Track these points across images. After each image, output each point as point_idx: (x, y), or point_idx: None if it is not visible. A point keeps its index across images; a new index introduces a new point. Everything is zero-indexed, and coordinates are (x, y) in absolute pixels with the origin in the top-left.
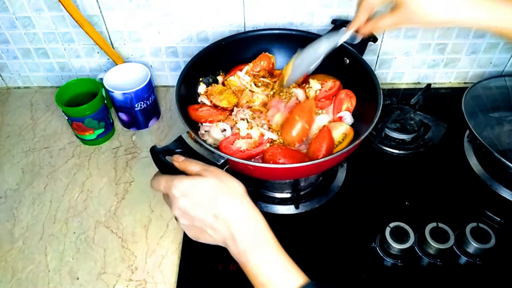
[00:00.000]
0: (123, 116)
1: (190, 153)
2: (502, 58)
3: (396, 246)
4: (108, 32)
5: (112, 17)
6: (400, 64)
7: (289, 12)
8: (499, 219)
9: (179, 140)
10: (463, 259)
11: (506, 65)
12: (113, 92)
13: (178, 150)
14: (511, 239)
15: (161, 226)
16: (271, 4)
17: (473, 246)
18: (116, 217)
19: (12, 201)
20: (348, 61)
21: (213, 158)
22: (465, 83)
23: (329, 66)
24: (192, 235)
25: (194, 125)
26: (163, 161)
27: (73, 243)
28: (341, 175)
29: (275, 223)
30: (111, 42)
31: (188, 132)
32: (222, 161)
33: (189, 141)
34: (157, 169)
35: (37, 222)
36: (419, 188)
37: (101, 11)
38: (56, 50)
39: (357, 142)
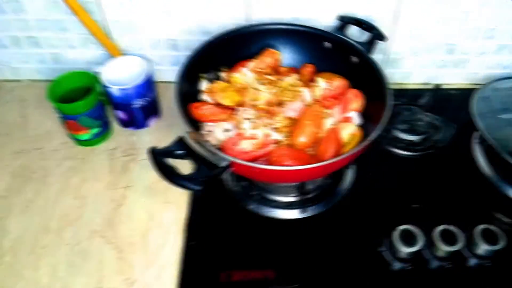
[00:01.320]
0: (121, 114)
1: (192, 155)
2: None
3: (405, 250)
4: (104, 22)
5: (109, 5)
6: (409, 64)
7: (296, 7)
8: (509, 220)
9: (180, 141)
10: (473, 261)
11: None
12: (110, 87)
13: (179, 151)
14: None
15: (161, 234)
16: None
17: (483, 248)
18: (113, 225)
19: (0, 210)
20: (356, 59)
21: (216, 160)
22: (474, 84)
23: (337, 65)
24: None
25: (196, 124)
26: (164, 164)
27: (67, 255)
28: (350, 177)
29: (281, 228)
30: (107, 32)
31: (189, 132)
32: (225, 163)
33: (191, 142)
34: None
35: (27, 233)
36: (428, 190)
37: None
38: (49, 39)
39: (365, 143)
